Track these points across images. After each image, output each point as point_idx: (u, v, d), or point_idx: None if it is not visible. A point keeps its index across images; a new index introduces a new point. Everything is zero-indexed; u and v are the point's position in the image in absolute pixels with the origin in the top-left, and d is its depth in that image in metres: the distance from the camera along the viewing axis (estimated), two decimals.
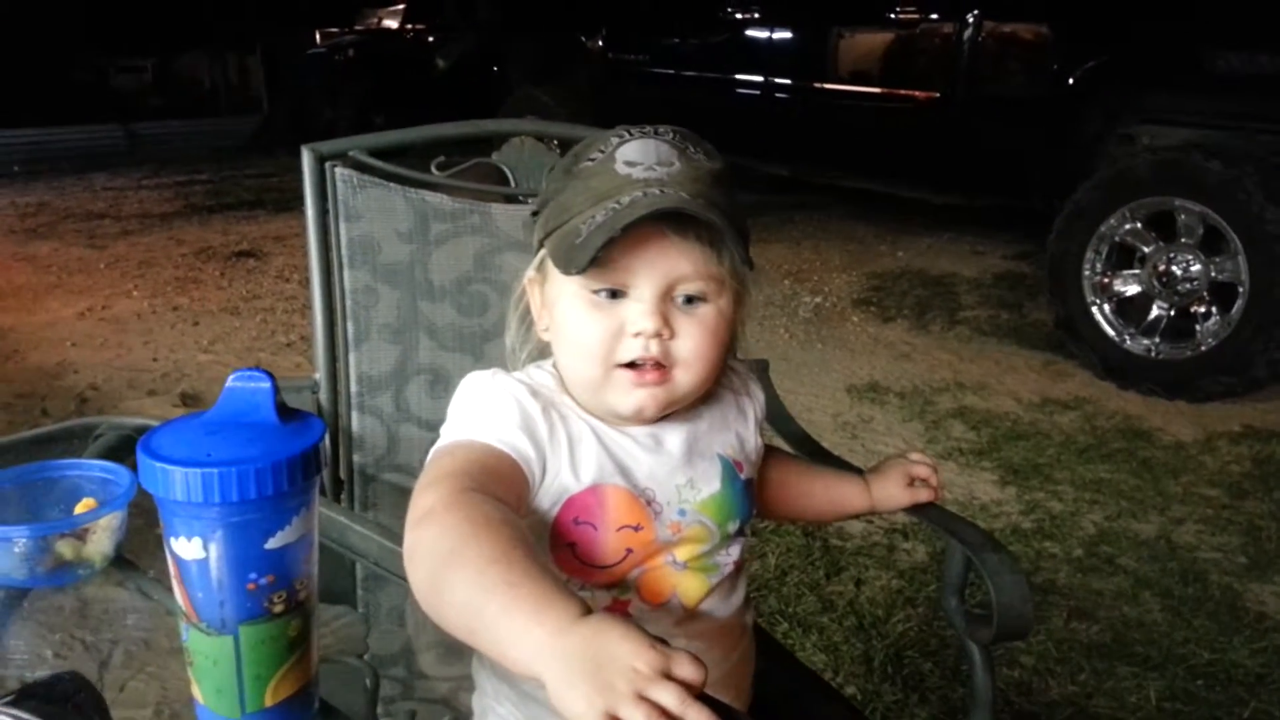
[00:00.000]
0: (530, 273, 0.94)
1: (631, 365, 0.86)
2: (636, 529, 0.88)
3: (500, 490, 0.79)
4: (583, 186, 0.86)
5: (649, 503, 0.89)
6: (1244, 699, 1.94)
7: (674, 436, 0.91)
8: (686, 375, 0.87)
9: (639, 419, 0.89)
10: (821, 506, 1.15)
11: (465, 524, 0.72)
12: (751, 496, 0.98)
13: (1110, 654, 2.07)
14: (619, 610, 0.89)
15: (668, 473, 0.90)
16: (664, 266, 0.84)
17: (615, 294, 0.85)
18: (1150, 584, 2.32)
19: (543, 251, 0.90)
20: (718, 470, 0.93)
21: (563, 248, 0.84)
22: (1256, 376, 3.34)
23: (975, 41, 4.15)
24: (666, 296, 0.85)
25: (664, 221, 0.82)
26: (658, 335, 0.85)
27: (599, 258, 0.80)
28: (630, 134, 0.88)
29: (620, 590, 0.90)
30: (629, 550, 0.88)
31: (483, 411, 0.87)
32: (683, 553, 0.91)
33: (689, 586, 0.92)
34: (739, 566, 0.97)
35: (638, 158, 0.85)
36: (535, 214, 0.94)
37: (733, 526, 0.94)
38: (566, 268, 0.83)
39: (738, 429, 0.98)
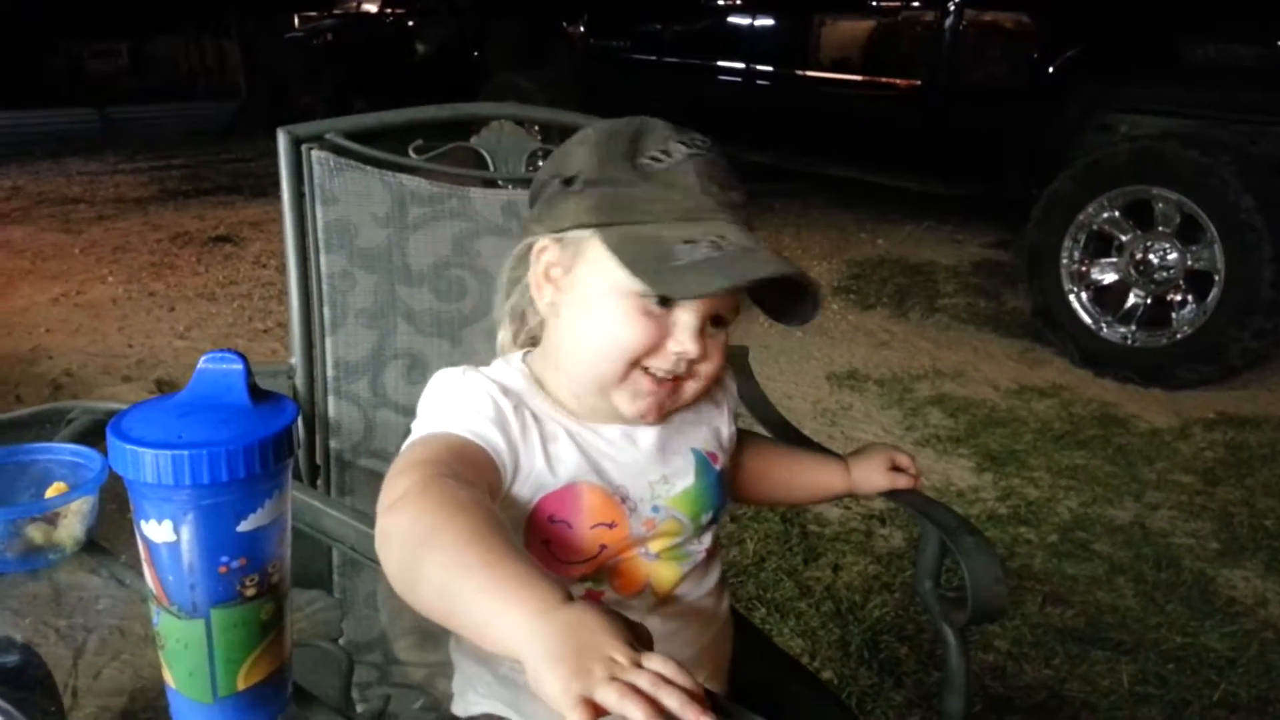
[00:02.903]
0: (544, 241, 0.89)
1: (650, 371, 0.86)
2: (611, 526, 0.88)
3: (474, 477, 0.79)
4: (659, 192, 0.83)
5: (623, 500, 0.89)
6: (1214, 682, 1.96)
7: (647, 434, 0.92)
8: (695, 386, 0.89)
9: (637, 420, 0.89)
10: (802, 490, 1.16)
11: (440, 508, 0.72)
12: (725, 485, 0.98)
13: (1084, 638, 2.09)
14: (592, 599, 0.89)
15: (641, 470, 0.91)
16: (719, 299, 0.85)
17: (666, 302, 0.84)
18: (1124, 569, 2.35)
19: (583, 232, 0.86)
20: (691, 465, 0.94)
21: (647, 258, 0.81)
22: (1231, 364, 3.37)
23: (956, 30, 4.16)
24: (708, 321, 0.86)
25: None
26: (693, 360, 0.86)
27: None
28: (694, 142, 0.86)
29: (594, 581, 0.90)
30: (603, 546, 0.89)
31: (454, 406, 0.86)
32: (655, 545, 0.92)
33: (662, 575, 0.93)
34: (711, 552, 0.98)
35: (711, 180, 0.85)
36: (568, 181, 0.87)
37: (706, 518, 0.95)
38: (666, 288, 0.81)
39: (712, 421, 0.99)
